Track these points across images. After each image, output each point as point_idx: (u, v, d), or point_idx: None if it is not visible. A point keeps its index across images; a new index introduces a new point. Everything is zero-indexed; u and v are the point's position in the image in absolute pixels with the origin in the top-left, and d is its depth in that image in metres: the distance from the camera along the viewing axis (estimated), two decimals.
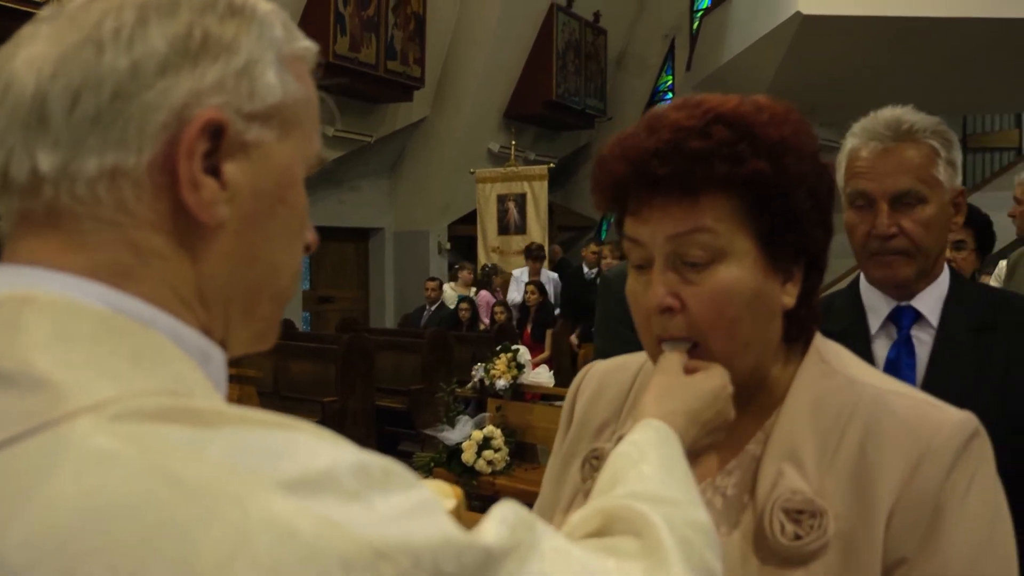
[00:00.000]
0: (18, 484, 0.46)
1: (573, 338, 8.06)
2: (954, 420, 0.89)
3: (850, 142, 1.57)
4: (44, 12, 0.60)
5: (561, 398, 4.62)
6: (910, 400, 0.91)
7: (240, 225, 0.60)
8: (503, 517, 0.55)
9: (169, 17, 0.58)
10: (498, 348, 4.45)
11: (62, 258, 0.56)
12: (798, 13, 8.42)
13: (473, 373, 4.99)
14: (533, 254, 9.00)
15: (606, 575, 0.58)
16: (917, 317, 1.57)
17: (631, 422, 0.86)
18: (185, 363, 0.56)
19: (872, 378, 0.95)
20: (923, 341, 1.56)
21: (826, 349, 0.98)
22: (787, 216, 0.87)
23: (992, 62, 9.38)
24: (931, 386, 1.41)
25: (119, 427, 0.48)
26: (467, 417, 4.38)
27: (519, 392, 4.44)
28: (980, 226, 2.93)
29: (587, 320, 6.95)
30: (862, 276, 1.63)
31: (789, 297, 0.91)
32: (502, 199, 10.87)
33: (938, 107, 13.59)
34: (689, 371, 0.89)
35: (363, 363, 6.59)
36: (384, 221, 12.03)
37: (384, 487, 0.50)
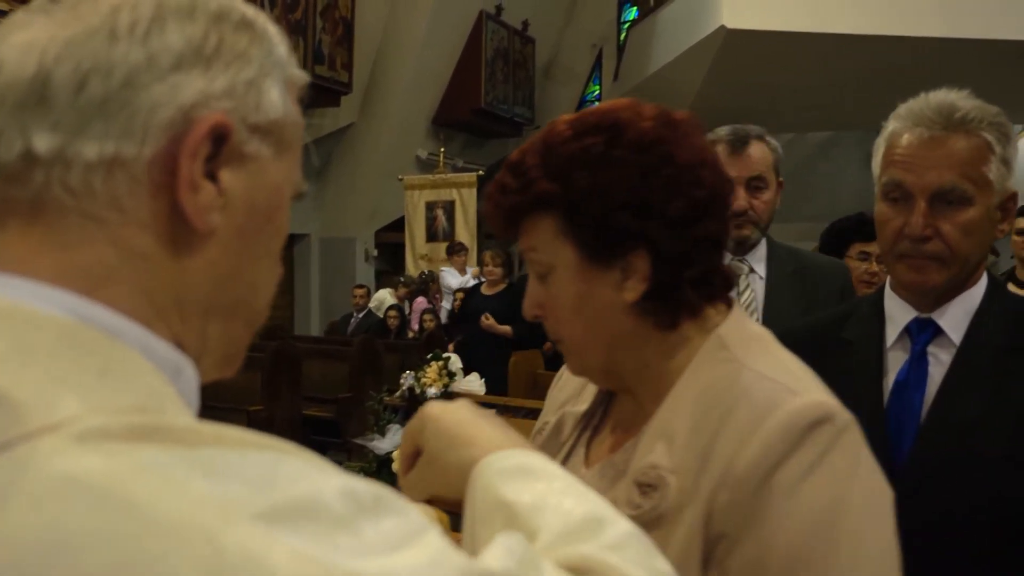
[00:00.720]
0: None
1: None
2: (797, 405, 0.87)
3: (892, 125, 1.37)
4: (35, 3, 0.58)
5: (492, 406, 4.61)
6: (772, 384, 0.91)
7: (229, 237, 0.58)
8: (510, 548, 0.53)
9: (187, 19, 0.57)
10: (429, 356, 4.42)
11: (36, 258, 0.53)
12: (723, 27, 8.61)
13: (402, 381, 4.94)
14: (455, 249, 9.08)
15: None
16: (937, 332, 1.38)
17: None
18: (155, 377, 0.53)
19: (764, 365, 0.94)
20: (940, 360, 1.37)
21: (733, 337, 0.97)
22: (595, 223, 0.93)
23: (910, 80, 9.71)
24: (939, 411, 1.32)
25: (84, 448, 0.44)
26: (398, 426, 4.33)
27: (450, 400, 4.41)
28: None
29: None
30: (888, 280, 1.45)
31: (630, 292, 0.95)
32: (431, 206, 10.84)
33: (858, 122, 14.08)
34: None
35: (290, 371, 6.48)
36: (310, 227, 11.87)
37: (375, 513, 0.48)
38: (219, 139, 0.56)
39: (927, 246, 1.32)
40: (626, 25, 13.37)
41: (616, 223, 0.93)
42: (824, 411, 0.88)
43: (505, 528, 0.64)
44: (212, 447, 0.47)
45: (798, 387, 0.91)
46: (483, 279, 7.00)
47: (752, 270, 2.17)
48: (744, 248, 2.16)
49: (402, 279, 10.23)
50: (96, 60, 0.54)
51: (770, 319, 2.05)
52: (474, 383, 4.62)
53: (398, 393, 4.95)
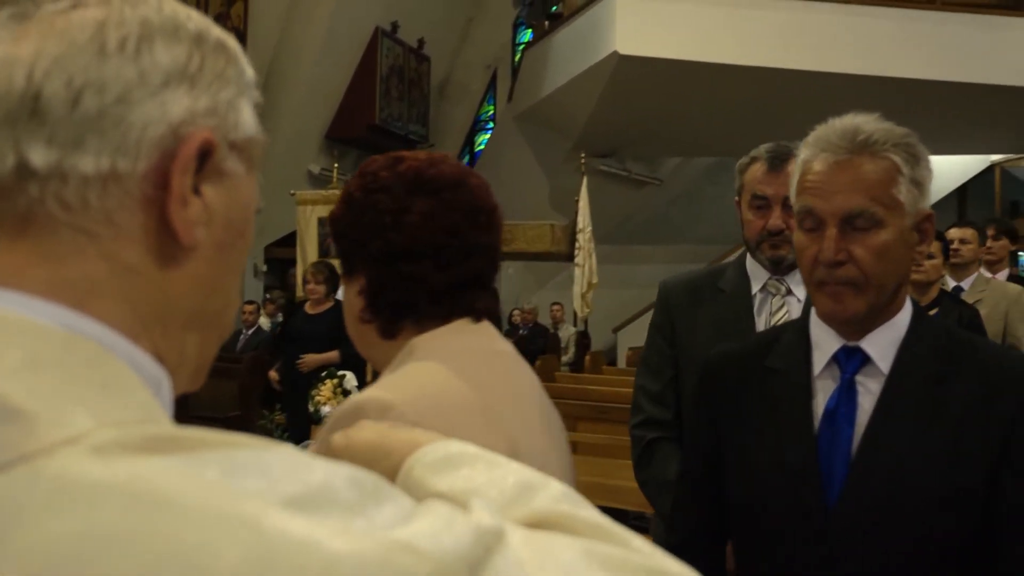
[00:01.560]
0: None
1: None
2: (359, 398, 1.05)
3: (802, 153, 1.36)
4: None
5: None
6: (369, 391, 1.06)
7: (210, 251, 0.59)
8: (486, 507, 0.54)
9: (172, 39, 0.58)
10: (323, 374, 4.37)
11: (25, 270, 0.53)
12: (615, 53, 8.85)
13: None
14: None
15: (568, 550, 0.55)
16: (865, 360, 1.35)
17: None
18: (145, 391, 0.53)
19: (396, 375, 1.11)
20: (869, 389, 1.34)
21: (420, 349, 1.14)
22: (336, 242, 1.21)
23: (789, 110, 10.18)
24: (871, 445, 1.30)
25: (103, 459, 0.44)
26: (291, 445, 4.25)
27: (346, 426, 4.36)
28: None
29: None
30: (813, 308, 1.41)
31: (359, 306, 1.18)
32: (323, 222, 10.70)
33: (742, 149, 14.58)
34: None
35: None
36: None
37: (378, 497, 0.49)
38: (203, 155, 0.58)
39: (840, 271, 1.29)
40: (521, 47, 13.57)
41: (341, 247, 1.21)
42: (378, 403, 1.01)
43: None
44: (224, 449, 0.47)
45: (384, 390, 1.06)
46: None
47: (790, 291, 2.05)
48: (781, 268, 2.04)
49: (268, 295, 10.05)
50: (88, 76, 0.54)
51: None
52: None
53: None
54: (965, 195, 15.34)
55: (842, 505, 1.30)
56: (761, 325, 2.01)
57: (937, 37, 9.18)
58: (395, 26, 12.46)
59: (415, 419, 0.95)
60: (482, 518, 0.51)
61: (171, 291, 0.58)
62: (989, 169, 14.64)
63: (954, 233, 4.09)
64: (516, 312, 11.26)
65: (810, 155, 1.34)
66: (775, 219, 2.01)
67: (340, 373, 4.31)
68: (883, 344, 1.34)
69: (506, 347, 1.22)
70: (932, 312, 3.69)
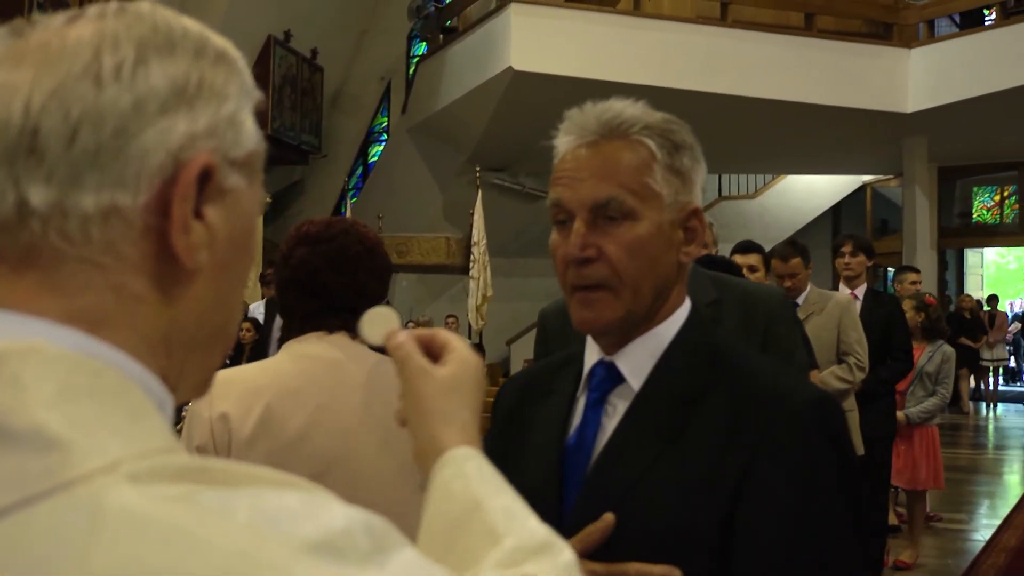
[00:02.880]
0: (40, 550, 0.43)
1: None
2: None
3: (558, 140, 1.20)
4: None
5: None
6: None
7: (213, 271, 0.58)
8: (498, 561, 0.58)
9: (168, 57, 0.57)
10: None
11: (36, 302, 0.53)
12: (510, 68, 8.97)
13: (184, 413, 4.73)
14: (266, 279, 8.72)
15: None
16: (621, 378, 1.16)
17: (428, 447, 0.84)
18: (160, 416, 0.54)
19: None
20: (617, 411, 1.15)
21: (283, 351, 1.76)
22: None
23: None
24: (599, 475, 1.12)
25: (140, 489, 0.46)
26: None
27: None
28: (729, 272, 3.13)
29: None
30: None
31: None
32: None
33: None
34: (425, 342, 0.90)
35: None
36: None
37: (385, 546, 0.50)
38: (204, 177, 0.57)
39: (589, 270, 1.11)
40: (415, 60, 13.58)
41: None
42: (219, 376, 1.14)
43: (477, 530, 0.71)
44: (251, 486, 0.48)
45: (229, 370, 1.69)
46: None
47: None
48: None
49: None
50: (84, 108, 0.54)
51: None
52: None
53: (179, 426, 4.75)
54: (839, 213, 16.14)
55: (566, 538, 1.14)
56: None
57: (813, 62, 9.66)
58: (288, 35, 12.30)
59: (243, 387, 1.64)
60: None
61: (176, 315, 0.57)
62: (861, 189, 15.46)
63: (740, 260, 3.93)
64: (411, 324, 11.24)
65: (561, 143, 1.18)
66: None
67: None
68: (639, 359, 1.15)
69: (338, 355, 1.72)
70: None
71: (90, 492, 0.46)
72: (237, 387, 1.65)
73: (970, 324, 12.72)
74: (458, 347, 0.89)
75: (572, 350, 1.29)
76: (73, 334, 0.53)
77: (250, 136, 0.61)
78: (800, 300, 4.21)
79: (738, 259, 3.90)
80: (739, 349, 1.20)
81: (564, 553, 0.70)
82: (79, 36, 0.56)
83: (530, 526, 0.72)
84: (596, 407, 1.16)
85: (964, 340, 12.34)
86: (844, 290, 4.74)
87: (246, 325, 7.56)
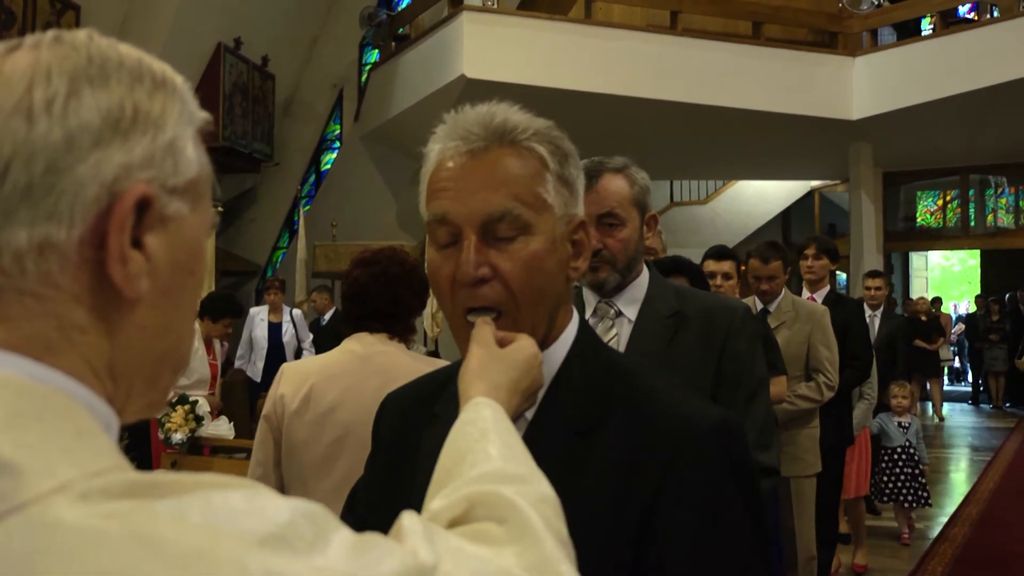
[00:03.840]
0: None
1: None
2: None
3: (432, 147, 1.07)
4: None
5: (241, 450, 4.45)
6: None
7: (156, 298, 0.59)
8: (423, 533, 0.58)
9: (101, 88, 0.56)
10: (174, 400, 4.23)
11: None
12: (463, 76, 8.99)
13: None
14: (267, 286, 8.67)
15: (486, 564, 0.61)
16: None
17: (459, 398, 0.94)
18: (105, 437, 0.54)
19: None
20: None
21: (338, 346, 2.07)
22: None
23: (625, 136, 10.62)
24: None
25: (92, 506, 0.47)
26: None
27: (197, 446, 4.24)
28: (693, 274, 3.07)
29: None
30: None
31: None
32: None
33: None
34: (500, 341, 0.99)
35: None
36: None
37: (325, 531, 0.52)
38: (141, 207, 0.57)
39: (483, 290, 1.01)
40: (368, 67, 13.52)
41: None
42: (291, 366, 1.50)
43: (477, 452, 0.78)
44: (198, 492, 0.49)
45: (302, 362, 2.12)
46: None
47: (620, 313, 2.04)
48: (604, 291, 2.03)
49: None
50: (15, 145, 0.54)
51: None
52: (222, 427, 4.47)
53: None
54: (789, 218, 16.40)
55: None
56: None
57: (761, 70, 9.82)
58: (238, 42, 12.18)
59: (298, 373, 2.35)
60: (419, 551, 0.56)
61: (119, 343, 0.58)
62: (809, 194, 15.73)
63: (714, 266, 3.85)
64: None
65: (440, 149, 1.05)
66: (593, 238, 1.89)
67: (192, 399, 4.19)
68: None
69: (370, 350, 2.37)
70: None
71: (43, 512, 0.46)
72: (294, 374, 2.35)
73: (925, 327, 12.69)
74: (521, 337, 0.99)
75: (456, 363, 1.14)
76: (19, 360, 0.53)
77: (190, 162, 0.61)
78: (772, 307, 4.07)
79: (711, 265, 3.82)
80: (633, 368, 1.12)
81: (542, 485, 0.74)
82: (13, 69, 0.56)
83: (522, 458, 0.78)
84: None
85: (919, 342, 12.41)
86: (805, 293, 4.66)
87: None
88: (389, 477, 1.18)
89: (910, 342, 11.97)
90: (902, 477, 5.93)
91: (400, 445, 1.19)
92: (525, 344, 0.99)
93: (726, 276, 3.84)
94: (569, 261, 1.07)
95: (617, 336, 2.03)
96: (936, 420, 12.67)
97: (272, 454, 2.32)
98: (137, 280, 0.57)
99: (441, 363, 2.03)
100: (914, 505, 5.99)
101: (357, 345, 2.36)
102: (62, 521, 0.46)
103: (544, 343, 1.06)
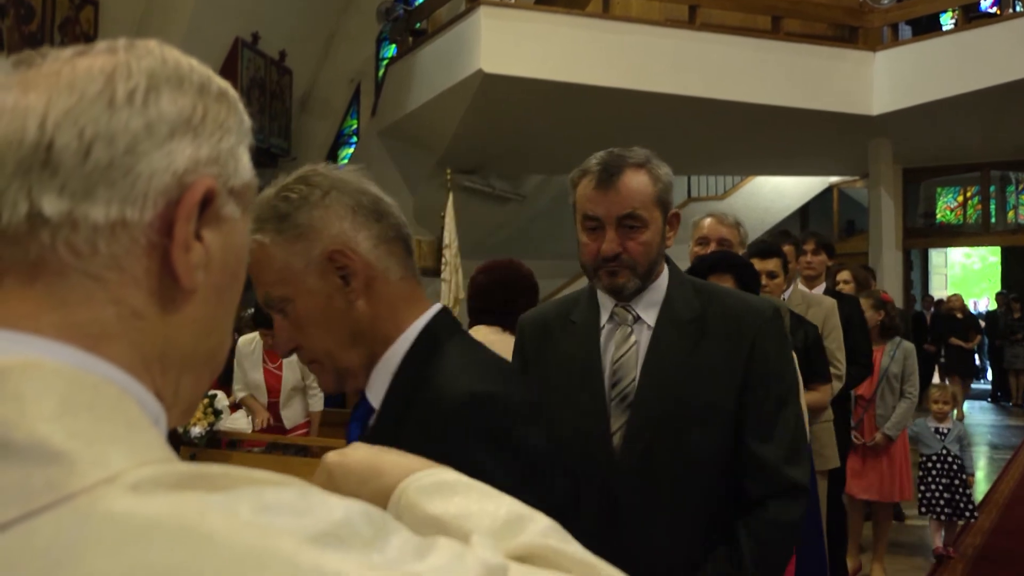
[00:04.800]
0: (44, 562, 0.44)
1: None
2: None
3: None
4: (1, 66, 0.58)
5: (259, 444, 4.46)
6: None
7: (209, 294, 0.61)
8: (483, 542, 0.58)
9: (177, 90, 0.60)
10: None
11: (39, 315, 0.54)
12: (480, 71, 8.97)
13: None
14: None
15: None
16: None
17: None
18: (155, 430, 0.55)
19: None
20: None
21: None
22: None
23: (643, 130, 10.58)
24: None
25: (143, 497, 0.47)
26: None
27: (215, 439, 4.26)
28: (741, 272, 2.94)
29: None
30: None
31: None
32: None
33: None
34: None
35: None
36: None
37: (387, 531, 0.52)
38: (205, 202, 0.60)
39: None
40: (384, 62, 13.54)
41: None
42: None
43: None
44: (249, 487, 0.49)
45: None
46: None
47: (639, 318, 1.89)
48: (622, 296, 1.88)
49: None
50: (98, 127, 0.56)
51: (648, 374, 1.83)
52: (240, 421, 4.49)
53: None
54: (807, 214, 16.30)
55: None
56: (607, 362, 1.86)
57: (780, 65, 9.75)
58: (256, 37, 12.21)
59: None
60: (485, 554, 0.55)
61: (171, 333, 0.60)
62: (828, 190, 15.63)
63: (758, 265, 3.83)
64: None
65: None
66: (609, 243, 1.79)
67: (211, 393, 4.21)
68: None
69: (488, 337, 2.74)
70: None
71: (93, 502, 0.46)
72: None
73: (961, 324, 12.46)
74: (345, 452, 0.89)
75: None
76: (72, 350, 0.55)
77: (247, 169, 0.65)
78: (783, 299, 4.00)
79: (756, 264, 3.67)
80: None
81: (538, 519, 0.70)
82: (91, 65, 0.59)
83: (488, 512, 0.71)
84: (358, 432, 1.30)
85: (955, 341, 12.23)
86: (803, 289, 4.60)
87: None
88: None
89: (945, 341, 11.80)
90: (937, 488, 5.56)
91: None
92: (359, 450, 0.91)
93: (771, 275, 3.76)
94: (338, 292, 1.20)
95: (636, 345, 1.86)
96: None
97: None
98: (197, 271, 0.59)
99: None
100: (952, 518, 5.57)
101: (479, 333, 3.00)
102: (113, 512, 0.46)
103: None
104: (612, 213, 1.80)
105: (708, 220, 3.49)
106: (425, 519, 0.73)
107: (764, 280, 3.76)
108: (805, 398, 3.60)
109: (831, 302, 4.17)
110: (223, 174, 0.62)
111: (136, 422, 0.53)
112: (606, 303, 1.92)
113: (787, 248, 4.08)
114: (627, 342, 1.87)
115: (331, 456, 0.86)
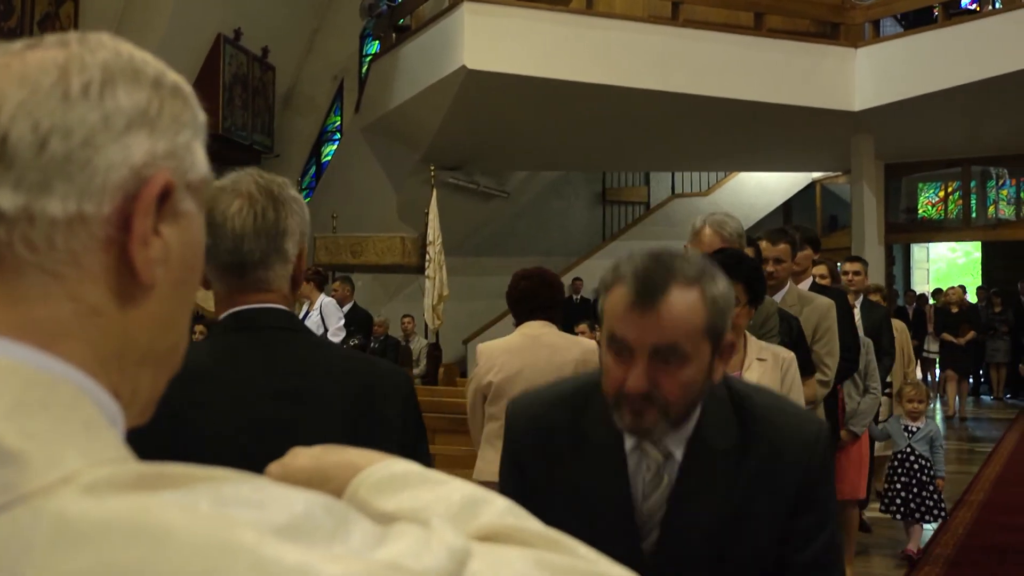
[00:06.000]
0: None
1: None
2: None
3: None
4: None
5: None
6: None
7: (167, 289, 0.60)
8: (444, 525, 0.56)
9: (132, 83, 0.59)
10: None
11: None
12: (463, 67, 8.97)
13: None
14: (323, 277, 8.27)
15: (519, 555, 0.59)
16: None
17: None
18: (113, 430, 0.54)
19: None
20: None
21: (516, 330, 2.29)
22: None
23: (627, 127, 10.60)
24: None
25: (98, 497, 0.46)
26: None
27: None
28: (751, 276, 2.69)
29: None
30: None
31: None
32: None
33: (582, 163, 14.90)
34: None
35: None
36: None
37: (347, 523, 0.51)
38: (163, 196, 0.59)
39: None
40: (368, 59, 13.50)
41: None
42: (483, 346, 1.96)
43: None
44: (209, 483, 0.48)
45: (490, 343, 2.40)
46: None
47: (670, 455, 1.47)
48: (651, 435, 1.45)
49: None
50: (54, 120, 0.55)
51: (674, 524, 1.48)
52: None
53: None
54: (790, 210, 16.38)
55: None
56: (638, 496, 1.48)
57: (763, 61, 9.80)
58: (238, 33, 12.15)
59: (490, 351, 3.67)
60: (448, 536, 0.54)
61: (129, 330, 0.58)
62: (811, 186, 15.71)
63: (767, 250, 3.74)
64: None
65: None
66: (636, 379, 1.36)
67: None
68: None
69: (538, 332, 3.60)
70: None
71: (48, 503, 0.46)
72: (489, 350, 3.66)
73: (954, 319, 12.40)
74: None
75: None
76: (28, 348, 0.53)
77: (202, 164, 0.64)
78: (777, 299, 3.86)
79: (766, 249, 3.70)
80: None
81: (495, 500, 0.69)
82: (43, 58, 0.58)
83: (443, 499, 0.69)
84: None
85: (947, 336, 12.19)
86: (799, 288, 4.44)
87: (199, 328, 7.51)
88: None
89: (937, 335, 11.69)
90: (898, 486, 5.40)
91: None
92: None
93: (777, 260, 3.69)
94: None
95: (668, 484, 1.48)
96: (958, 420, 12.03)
97: (480, 421, 3.68)
98: (155, 266, 0.58)
99: (577, 339, 3.95)
100: (909, 519, 5.41)
101: (529, 329, 3.61)
102: (67, 513, 0.45)
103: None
104: (647, 341, 1.36)
105: (707, 231, 3.25)
106: (381, 517, 0.71)
107: (772, 266, 3.66)
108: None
109: (827, 303, 4.05)
110: (180, 168, 0.61)
111: (92, 421, 0.53)
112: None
113: (783, 246, 3.95)
114: (657, 489, 1.49)
115: (273, 468, 0.83)
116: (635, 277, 1.37)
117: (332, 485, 0.76)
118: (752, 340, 2.91)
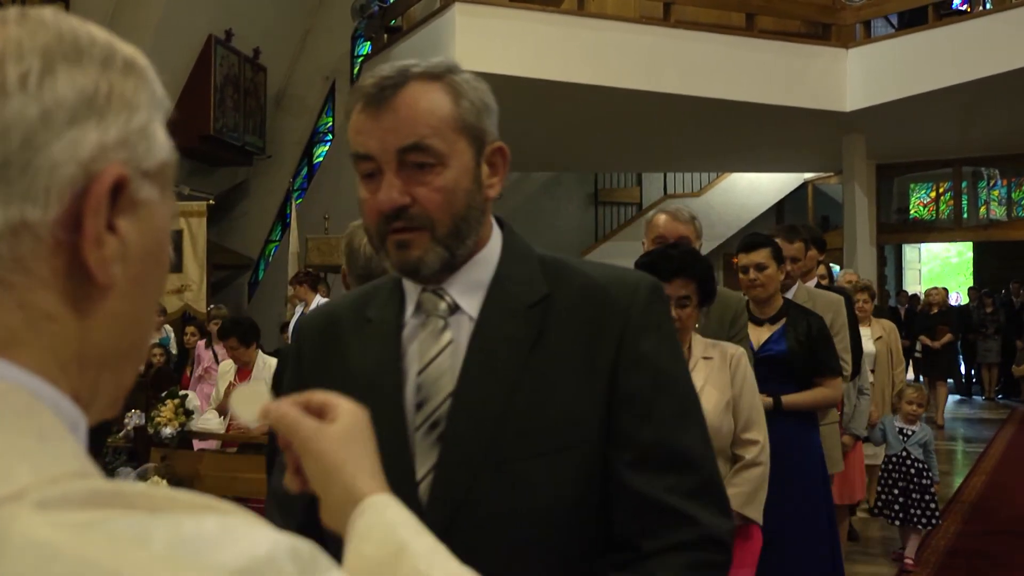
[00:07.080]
0: None
1: None
2: None
3: None
4: None
5: (233, 445, 4.42)
6: None
7: (128, 286, 0.57)
8: None
9: (76, 66, 0.55)
10: (164, 394, 4.21)
11: None
12: None
13: (126, 421, 4.67)
14: (299, 279, 8.08)
15: None
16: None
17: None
18: (72, 439, 0.51)
19: None
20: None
21: None
22: None
23: (619, 128, 10.60)
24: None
25: (49, 516, 0.44)
26: (129, 469, 4.08)
27: (186, 440, 4.22)
28: (703, 276, 2.66)
29: None
30: None
31: None
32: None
33: (574, 164, 14.87)
34: (305, 408, 0.90)
35: None
36: None
37: (314, 571, 0.48)
38: (116, 190, 0.55)
39: None
40: (360, 59, 13.48)
41: None
42: None
43: (405, 572, 0.71)
44: (169, 512, 0.46)
45: None
46: None
47: (456, 308, 1.25)
48: (422, 276, 1.23)
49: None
50: None
51: (467, 389, 1.21)
52: (212, 422, 4.46)
53: (121, 433, 4.67)
54: (782, 210, 16.40)
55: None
56: (412, 372, 1.24)
57: (754, 62, 9.80)
58: (229, 34, 12.11)
59: None
60: None
61: (88, 332, 0.55)
62: (803, 186, 15.73)
63: (743, 260, 3.64)
64: None
65: None
66: (387, 188, 1.19)
67: (182, 393, 4.17)
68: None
69: None
70: (779, 323, 3.55)
71: None
72: None
73: (931, 320, 12.33)
74: (339, 401, 0.90)
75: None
76: None
77: (162, 146, 0.59)
78: (789, 296, 3.88)
79: (741, 259, 3.57)
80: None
81: None
82: None
83: (452, 568, 0.73)
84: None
85: (924, 339, 12.08)
86: (809, 286, 4.46)
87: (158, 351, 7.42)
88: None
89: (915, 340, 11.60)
90: (895, 491, 5.32)
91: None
92: (352, 408, 0.91)
93: (759, 267, 3.51)
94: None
95: (453, 346, 1.23)
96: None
97: None
98: (111, 265, 0.55)
99: None
100: (906, 524, 5.32)
101: None
102: (15, 532, 0.43)
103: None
104: (390, 146, 1.18)
105: (663, 217, 3.18)
106: (389, 540, 0.76)
107: (753, 274, 3.55)
108: (814, 394, 3.47)
109: (838, 299, 4.01)
110: (134, 157, 0.56)
111: (48, 432, 0.50)
112: (412, 292, 1.28)
113: (798, 244, 3.96)
114: (437, 343, 1.24)
115: (308, 426, 0.86)
116: (371, 84, 1.21)
117: (334, 489, 0.80)
118: (697, 338, 2.79)
